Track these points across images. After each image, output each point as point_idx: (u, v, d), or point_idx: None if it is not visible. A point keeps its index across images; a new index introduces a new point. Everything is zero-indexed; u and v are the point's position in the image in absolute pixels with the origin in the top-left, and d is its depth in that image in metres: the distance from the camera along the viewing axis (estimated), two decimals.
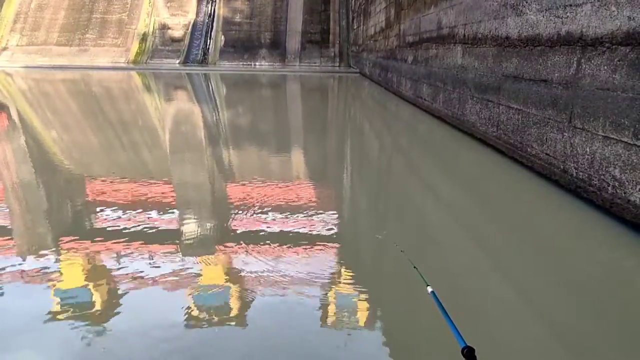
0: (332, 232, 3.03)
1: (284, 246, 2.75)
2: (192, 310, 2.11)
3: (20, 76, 18.73)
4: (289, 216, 3.28)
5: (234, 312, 2.15)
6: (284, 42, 26.46)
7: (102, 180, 4.35)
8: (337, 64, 25.06)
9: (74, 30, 27.22)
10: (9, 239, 3.04)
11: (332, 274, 2.42)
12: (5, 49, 27.05)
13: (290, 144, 6.45)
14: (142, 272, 2.45)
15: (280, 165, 5.10)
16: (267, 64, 25.74)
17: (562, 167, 3.46)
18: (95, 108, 10.49)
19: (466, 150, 5.30)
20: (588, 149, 3.12)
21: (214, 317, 2.10)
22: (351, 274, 2.44)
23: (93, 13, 27.65)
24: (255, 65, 25.62)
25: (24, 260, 2.68)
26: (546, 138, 3.68)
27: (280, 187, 3.98)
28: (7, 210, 3.68)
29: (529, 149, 4.00)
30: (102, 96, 12.69)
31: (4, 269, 2.54)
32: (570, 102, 3.33)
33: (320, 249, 2.73)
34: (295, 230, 3.01)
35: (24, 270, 2.54)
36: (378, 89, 13.41)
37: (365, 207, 3.59)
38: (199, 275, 2.47)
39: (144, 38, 26.91)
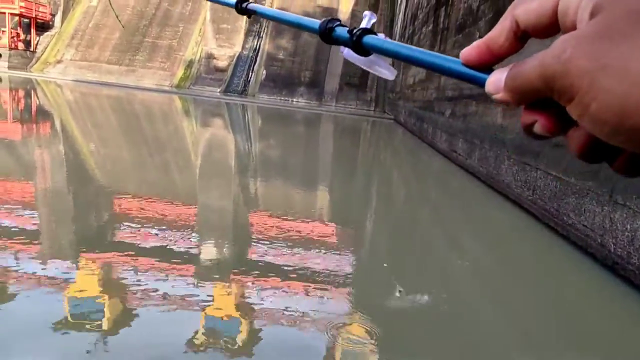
0: (345, 273, 2.93)
1: (295, 281, 2.66)
2: (195, 335, 2.04)
3: (69, 88, 19.62)
4: (305, 252, 3.20)
5: (237, 343, 2.06)
6: (322, 82, 27.04)
7: (129, 196, 4.39)
8: (372, 109, 25.36)
9: (125, 51, 28.58)
10: (30, 243, 3.06)
11: (339, 315, 2.31)
12: (59, 61, 28.54)
13: (316, 181, 6.43)
14: (153, 290, 2.40)
15: (303, 201, 5.06)
16: (304, 101, 26.25)
17: (599, 240, 3.30)
18: (134, 126, 10.82)
19: (498, 210, 5.15)
20: (629, 226, 2.97)
21: (216, 344, 2.01)
22: (359, 317, 2.32)
23: (145, 37, 29.07)
24: (292, 101, 26.16)
25: (41, 265, 2.67)
26: (584, 209, 3.54)
27: (301, 222, 3.92)
28: (34, 214, 3.73)
29: (565, 218, 3.85)
30: (142, 116, 13.10)
31: (20, 272, 2.54)
32: (612, 175, 3.21)
33: (331, 290, 2.63)
34: (309, 268, 2.93)
35: (40, 276, 2.53)
36: (411, 137, 13.42)
37: (383, 254, 3.49)
38: (207, 300, 2.40)
39: (189, 65, 28.01)
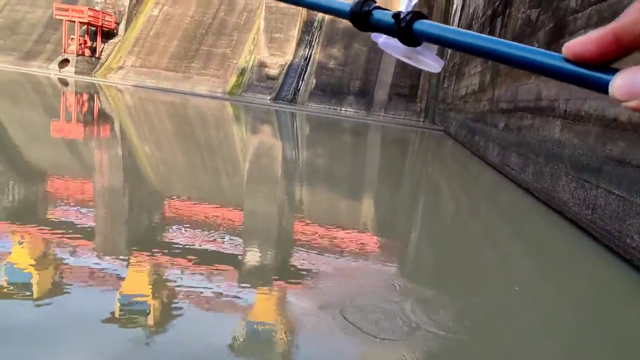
0: (386, 287, 2.85)
1: (335, 291, 2.62)
2: (234, 338, 2.04)
3: (129, 93, 20.61)
4: (347, 262, 3.16)
5: (274, 349, 2.05)
6: (372, 92, 26.97)
7: (180, 198, 4.51)
8: (422, 119, 24.99)
9: (182, 58, 29.73)
10: (85, 240, 3.19)
11: (376, 326, 2.25)
12: (121, 67, 30.06)
13: (362, 191, 6.38)
14: (197, 291, 2.44)
15: (348, 211, 5.01)
16: (352, 110, 26.26)
17: None
18: (187, 131, 11.18)
19: (553, 228, 4.90)
20: None
21: (253, 348, 2.01)
22: (400, 333, 2.25)
23: (202, 45, 30.14)
24: (340, 110, 26.23)
25: (94, 262, 2.78)
26: None
27: (344, 232, 3.88)
28: (88, 212, 3.90)
29: (628, 240, 3.60)
30: (195, 121, 13.53)
31: (75, 267, 2.65)
32: None
33: (372, 302, 2.56)
34: (350, 278, 2.88)
35: (94, 271, 2.63)
36: (462, 150, 13.08)
37: (427, 268, 3.38)
38: (249, 305, 2.41)
39: (242, 72, 28.74)
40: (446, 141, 16.16)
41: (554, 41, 6.51)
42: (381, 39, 0.50)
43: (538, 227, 5.06)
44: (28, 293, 2.39)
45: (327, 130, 16.42)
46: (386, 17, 0.48)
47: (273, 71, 28.02)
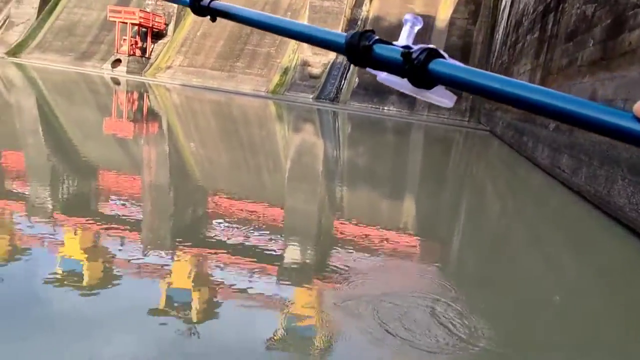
0: (425, 290, 2.79)
1: (374, 291, 2.58)
2: (273, 334, 2.05)
3: (177, 92, 21.26)
4: (387, 263, 3.11)
5: (314, 346, 2.04)
6: None
7: (223, 195, 4.60)
8: (467, 119, 24.39)
9: (227, 58, 30.35)
10: (133, 232, 3.31)
11: (417, 326, 2.20)
12: (169, 67, 31.03)
13: (403, 190, 6.28)
14: (238, 286, 2.47)
15: (389, 210, 4.96)
16: (395, 109, 25.99)
17: None
18: (231, 129, 11.40)
19: (607, 235, 4.65)
20: None
21: (292, 344, 2.01)
22: (441, 338, 2.19)
23: (246, 45, 30.66)
24: (383, 109, 26.02)
25: (141, 254, 2.89)
26: None
27: (385, 231, 3.84)
28: (136, 207, 4.04)
29: None
30: (238, 119, 13.78)
31: (123, 259, 2.76)
32: None
33: (412, 303, 2.51)
34: (387, 278, 2.84)
35: (138, 264, 2.73)
36: (508, 150, 12.66)
37: (465, 272, 3.28)
38: (288, 301, 2.42)
39: (285, 71, 29.03)
40: (492, 141, 15.69)
41: (611, 38, 6.17)
42: (383, 75, 0.43)
43: (590, 233, 4.82)
44: (79, 283, 2.50)
45: (369, 129, 16.32)
46: (392, 53, 0.41)
47: (316, 70, 28.14)
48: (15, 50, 30.80)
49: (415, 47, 0.39)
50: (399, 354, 2.04)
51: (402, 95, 28.83)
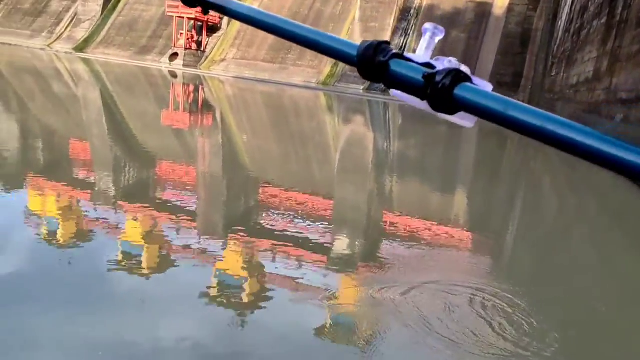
0: (474, 286, 2.72)
1: (423, 284, 2.56)
2: (322, 323, 2.09)
3: (230, 84, 21.78)
4: (435, 256, 3.07)
5: (361, 336, 2.06)
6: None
7: (273, 185, 4.70)
8: None
9: (279, 50, 30.67)
10: (188, 220, 3.46)
11: (467, 318, 2.16)
12: (223, 60, 31.79)
13: (455, 184, 6.14)
14: (286, 274, 2.53)
15: (439, 204, 4.87)
16: None
17: None
18: (282, 120, 11.56)
19: None
20: None
21: (339, 333, 2.04)
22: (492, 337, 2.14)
23: None
24: None
25: (195, 240, 3.02)
26: None
27: (434, 225, 3.78)
28: (191, 195, 4.21)
29: None
30: (289, 111, 13.94)
31: (176, 245, 2.90)
32: None
33: (460, 297, 2.47)
34: (438, 272, 2.79)
35: (192, 249, 2.86)
36: None
37: (520, 272, 3.17)
38: (333, 291, 2.45)
39: (336, 63, 28.95)
40: None
41: None
42: (396, 91, 0.38)
43: None
44: (138, 266, 2.65)
45: (421, 120, 16.02)
46: (412, 73, 0.36)
47: None
48: (82, 46, 32.62)
49: (438, 66, 0.35)
50: (447, 347, 2.02)
51: None
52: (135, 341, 1.87)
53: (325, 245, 3.20)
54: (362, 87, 27.04)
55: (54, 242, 2.88)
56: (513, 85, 24.72)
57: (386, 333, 2.12)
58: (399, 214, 4.19)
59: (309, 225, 3.51)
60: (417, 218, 4.01)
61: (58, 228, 3.12)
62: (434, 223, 3.91)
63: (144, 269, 2.60)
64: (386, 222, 3.98)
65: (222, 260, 2.79)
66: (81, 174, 4.54)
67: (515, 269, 3.27)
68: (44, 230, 3.00)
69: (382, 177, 5.97)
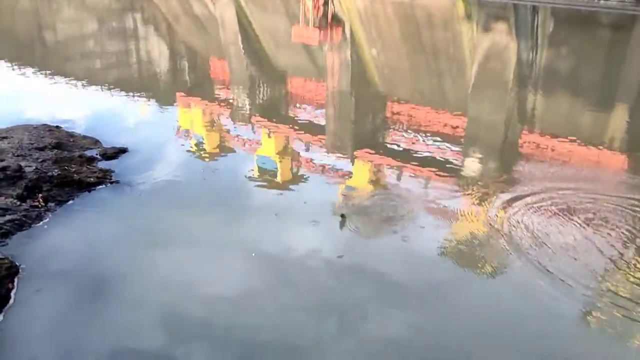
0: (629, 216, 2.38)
1: (565, 210, 2.32)
2: (455, 233, 2.05)
3: None
4: (581, 181, 2.72)
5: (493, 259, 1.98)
6: None
7: (401, 102, 4.54)
8: None
9: None
10: (318, 136, 3.54)
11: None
12: None
13: (613, 101, 5.26)
14: (415, 192, 2.49)
15: (591, 123, 4.26)
16: (615, 1, 21.33)
17: None
18: (413, 32, 10.89)
19: None
20: None
21: (459, 262, 1.99)
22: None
23: None
24: (599, 1, 21.59)
25: (323, 156, 3.11)
26: None
27: (584, 147, 3.34)
28: (321, 111, 4.27)
29: None
30: (421, 22, 13.03)
31: (307, 160, 3.02)
32: None
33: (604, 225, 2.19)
34: (585, 197, 2.49)
35: (322, 165, 2.95)
36: None
37: None
38: (462, 211, 2.35)
39: None
40: None
41: None
42: None
43: None
44: (273, 180, 2.83)
45: (577, 25, 13.82)
46: None
47: None
48: None
49: None
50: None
51: None
52: (270, 251, 2.05)
53: (456, 165, 3.05)
54: None
55: (201, 154, 3.19)
56: None
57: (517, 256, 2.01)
58: (541, 133, 3.79)
59: (439, 144, 3.36)
60: (561, 139, 3.57)
61: (203, 142, 3.44)
62: (583, 144, 3.45)
63: (278, 182, 2.77)
64: (525, 142, 3.64)
65: (350, 177, 2.84)
66: (221, 92, 4.87)
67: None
68: (192, 144, 3.33)
69: (524, 94, 5.38)
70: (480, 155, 3.31)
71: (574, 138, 3.60)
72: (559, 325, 1.68)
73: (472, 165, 3.12)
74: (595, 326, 1.70)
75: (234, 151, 3.26)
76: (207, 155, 3.22)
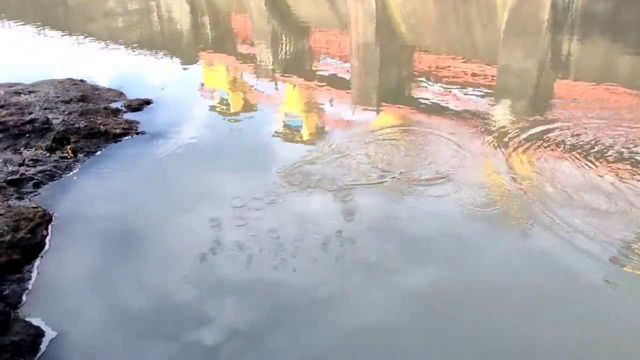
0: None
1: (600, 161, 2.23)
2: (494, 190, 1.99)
3: None
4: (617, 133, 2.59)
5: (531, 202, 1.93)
6: None
7: (430, 52, 4.38)
8: None
9: None
10: (342, 90, 3.47)
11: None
12: None
13: None
14: (438, 143, 2.42)
15: (628, 71, 4.03)
16: None
17: None
18: None
19: None
20: None
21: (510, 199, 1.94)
22: None
23: None
24: None
25: (348, 111, 3.06)
26: None
27: (620, 96, 3.17)
28: (345, 65, 4.17)
29: None
30: None
31: (332, 115, 2.97)
32: None
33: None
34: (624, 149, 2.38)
35: (348, 121, 2.90)
36: None
37: None
38: (505, 167, 2.28)
39: None
40: None
41: None
42: None
43: None
44: (299, 136, 2.78)
45: None
46: None
47: None
48: None
49: None
50: None
51: None
52: (300, 211, 2.04)
53: (487, 115, 2.93)
54: None
55: (225, 110, 3.17)
56: None
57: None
58: (576, 80, 3.62)
59: (468, 95, 3.25)
60: (598, 86, 3.39)
61: (227, 98, 3.41)
62: (619, 93, 3.27)
63: (302, 137, 2.74)
64: (558, 91, 3.48)
65: (373, 124, 2.78)
66: (243, 48, 4.80)
67: None
68: (216, 102, 3.30)
69: (558, 38, 5.10)
70: (511, 104, 3.19)
71: (612, 83, 3.41)
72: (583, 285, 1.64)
73: (502, 116, 3.00)
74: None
75: (258, 108, 3.24)
76: (230, 111, 3.20)
